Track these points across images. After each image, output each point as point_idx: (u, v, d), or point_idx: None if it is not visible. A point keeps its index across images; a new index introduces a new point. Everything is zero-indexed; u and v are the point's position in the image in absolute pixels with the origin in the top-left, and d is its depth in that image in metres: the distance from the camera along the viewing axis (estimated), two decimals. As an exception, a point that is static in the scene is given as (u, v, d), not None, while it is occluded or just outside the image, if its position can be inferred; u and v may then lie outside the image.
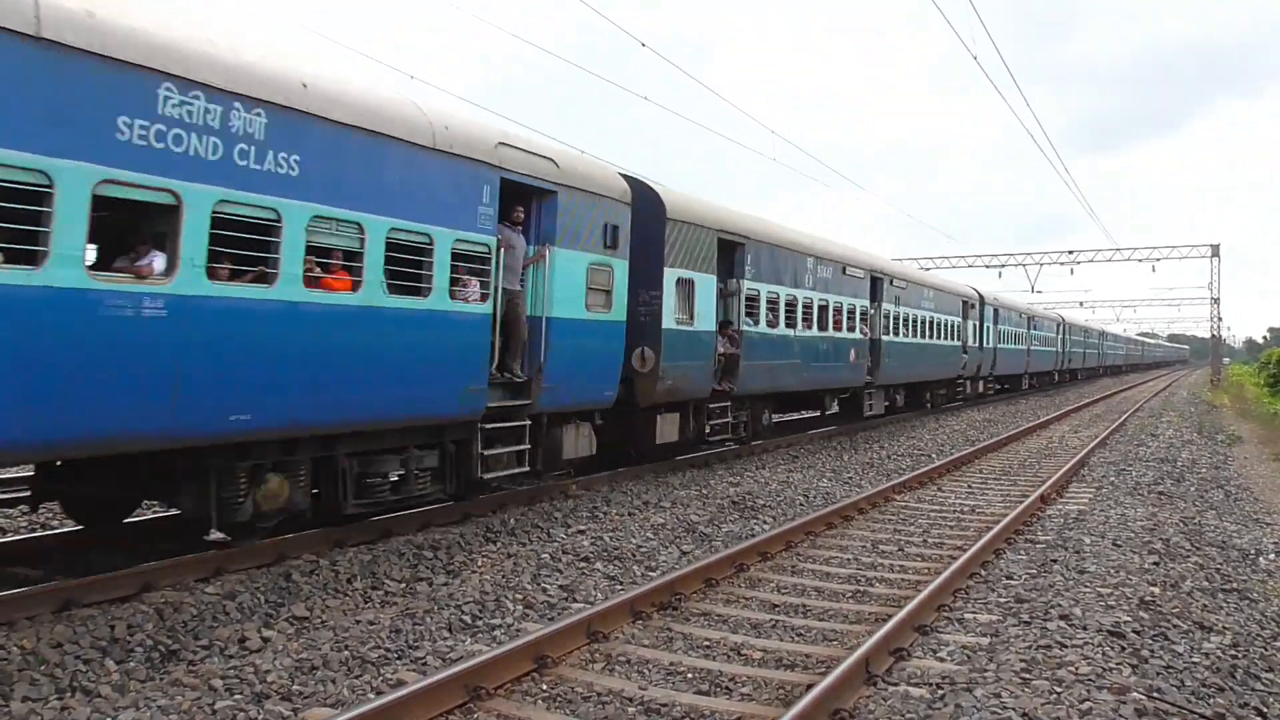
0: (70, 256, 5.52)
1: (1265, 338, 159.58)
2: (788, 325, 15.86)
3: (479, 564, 7.87)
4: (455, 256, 8.47)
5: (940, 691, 5.20)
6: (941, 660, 5.77)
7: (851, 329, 18.84)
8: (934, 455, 16.70)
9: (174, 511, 7.97)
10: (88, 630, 5.68)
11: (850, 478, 13.76)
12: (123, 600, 6.25)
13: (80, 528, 8.04)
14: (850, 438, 19.15)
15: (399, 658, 5.65)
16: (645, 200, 11.93)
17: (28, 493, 8.02)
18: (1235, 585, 8.11)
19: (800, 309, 16.28)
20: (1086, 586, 7.44)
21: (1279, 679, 5.92)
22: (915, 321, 23.43)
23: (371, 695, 5.06)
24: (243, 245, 6.56)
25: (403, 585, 7.17)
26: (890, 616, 6.28)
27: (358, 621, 6.25)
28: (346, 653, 5.62)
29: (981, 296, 31.39)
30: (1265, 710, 5.36)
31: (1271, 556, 9.69)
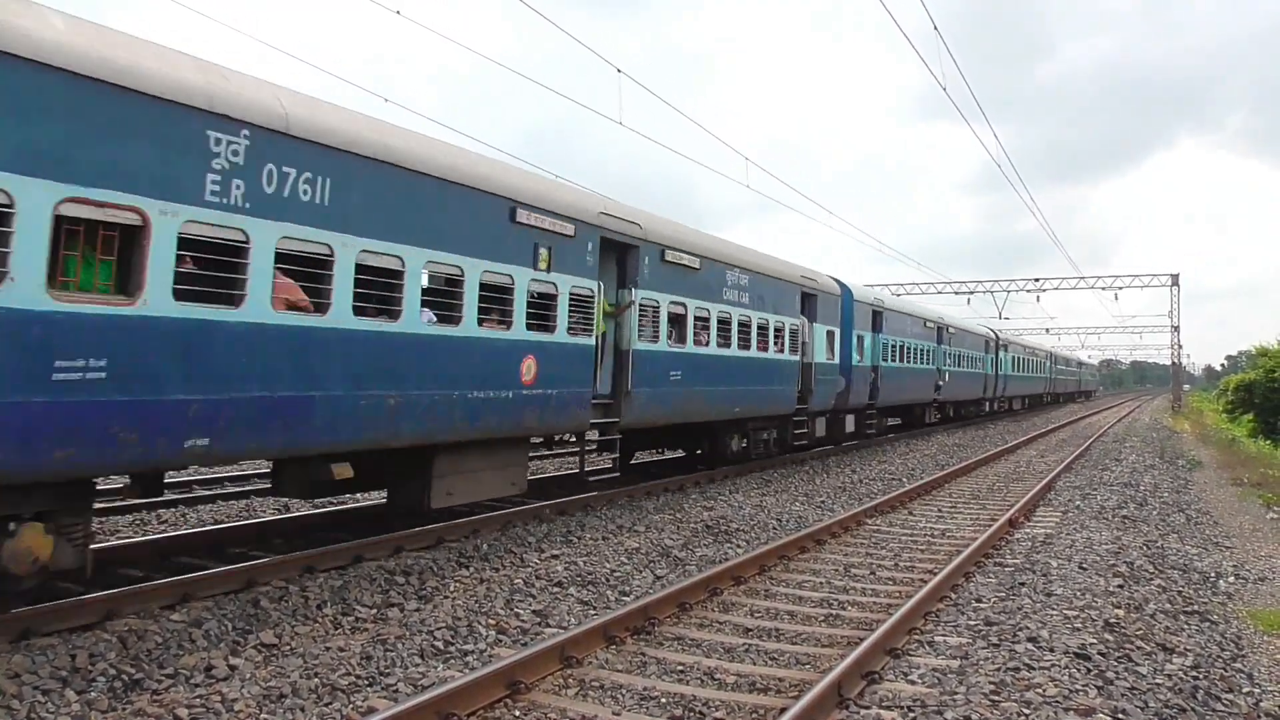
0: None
1: (1223, 365, 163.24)
2: (324, 309, 7.43)
3: (451, 589, 7.81)
4: None
5: (911, 714, 5.25)
6: (912, 683, 5.81)
7: (547, 327, 10.20)
8: (905, 479, 16.86)
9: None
10: (47, 660, 5.55)
11: (823, 502, 13.84)
12: (84, 629, 6.12)
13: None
14: (822, 461, 19.26)
15: (370, 685, 5.59)
16: None
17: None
18: (1196, 608, 8.27)
19: (376, 283, 7.89)
20: (1054, 609, 7.54)
21: (1239, 699, 6.04)
22: (704, 322, 14.25)
23: (342, 723, 5.00)
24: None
25: (374, 611, 7.09)
26: (862, 640, 6.33)
27: (328, 648, 6.17)
28: (316, 680, 5.55)
29: (848, 290, 21.31)
30: (1227, 730, 5.47)
31: (1231, 579, 9.90)
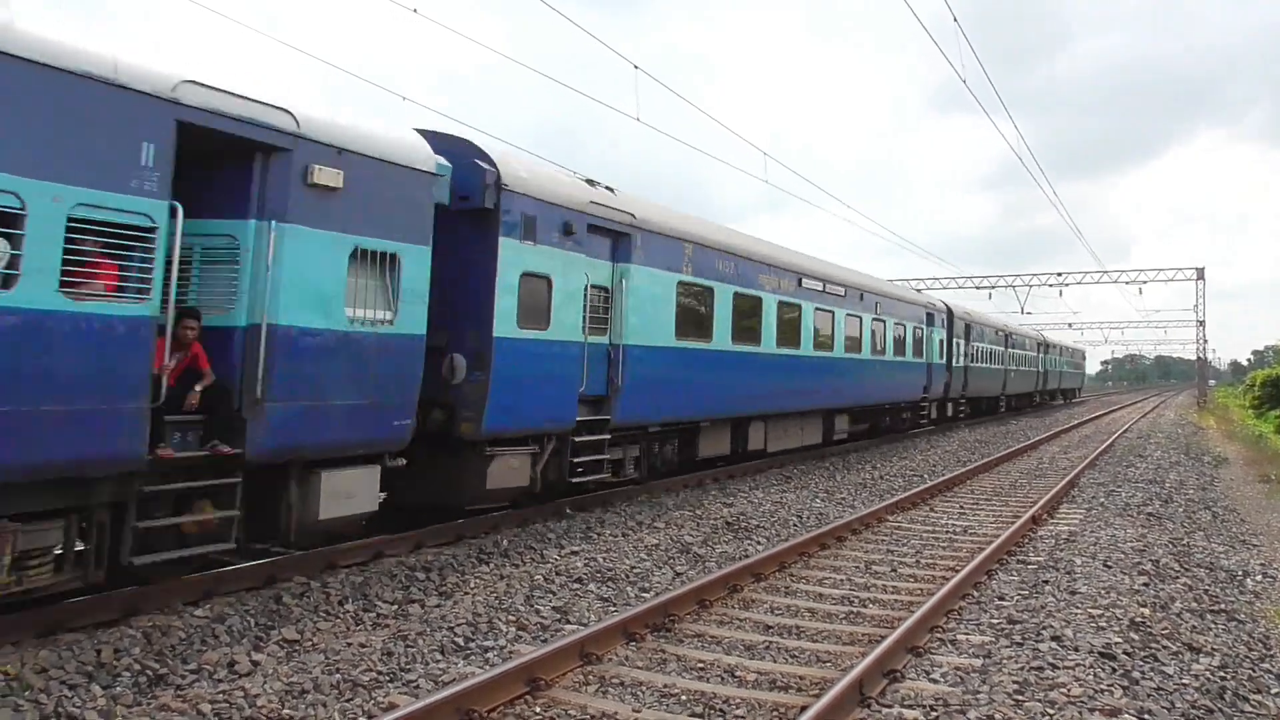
0: None
1: (1249, 360, 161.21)
2: None
3: (471, 585, 7.83)
4: None
5: (934, 713, 5.20)
6: (935, 682, 5.76)
7: None
8: (926, 476, 16.75)
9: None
10: (73, 655, 5.62)
11: (843, 498, 13.78)
12: (109, 624, 6.19)
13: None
14: (843, 458, 19.17)
15: (391, 680, 5.61)
16: None
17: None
18: (1223, 607, 8.15)
19: None
20: (1078, 607, 7.46)
21: (1267, 701, 5.94)
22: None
23: (363, 719, 5.03)
24: None
25: (395, 607, 7.13)
26: (883, 638, 6.28)
27: (349, 644, 6.21)
28: (338, 676, 5.58)
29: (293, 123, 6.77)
30: (1256, 731, 5.38)
31: (1258, 578, 9.74)
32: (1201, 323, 52.83)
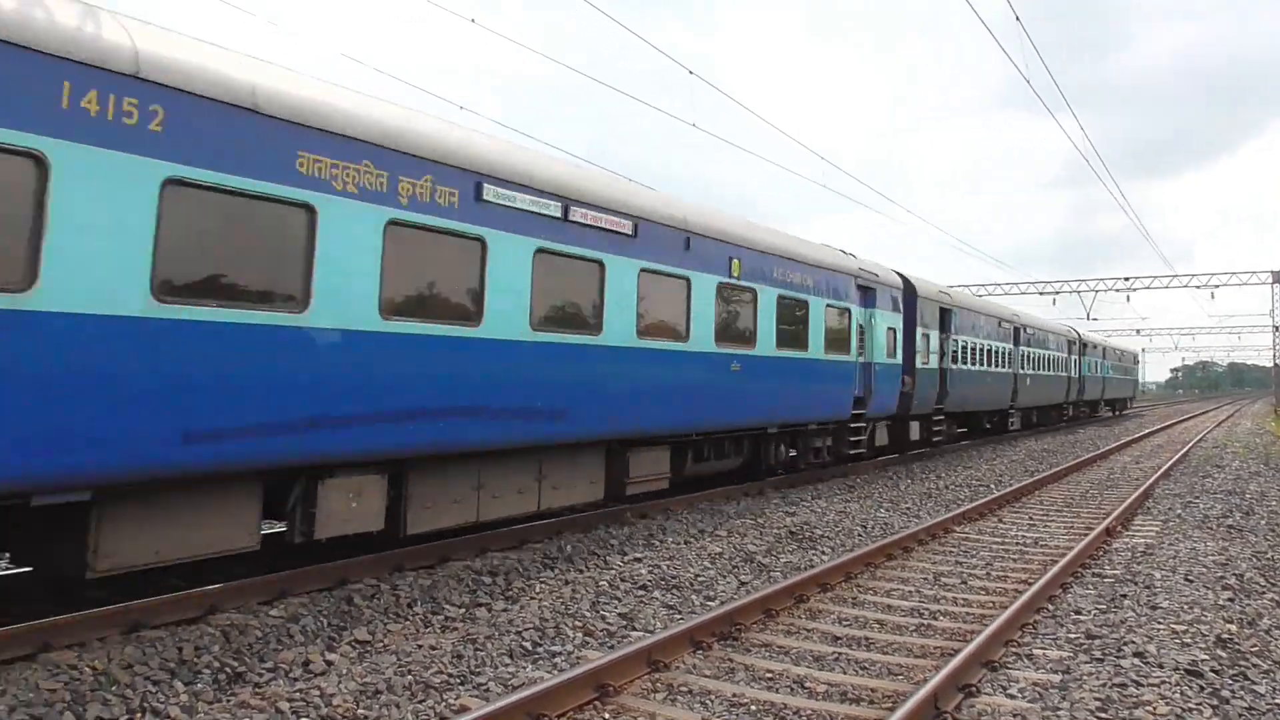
0: None
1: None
2: None
3: (537, 590, 7.87)
4: None
5: (1014, 729, 5.05)
6: (1012, 698, 5.60)
7: None
8: (993, 486, 16.35)
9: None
10: (156, 651, 5.80)
11: (908, 508, 13.52)
12: (189, 622, 6.37)
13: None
14: (906, 467, 18.83)
15: (462, 683, 5.66)
16: None
17: None
18: (1318, 624, 7.77)
19: None
20: (1160, 623, 7.19)
21: (1375, 724, 5.64)
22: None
23: (436, 721, 5.08)
24: None
25: (463, 611, 7.20)
26: (957, 651, 6.13)
27: (419, 646, 6.29)
28: (410, 677, 5.65)
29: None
30: (1361, 757, 5.11)
31: (1355, 594, 9.27)
32: (1278, 328, 50.74)
